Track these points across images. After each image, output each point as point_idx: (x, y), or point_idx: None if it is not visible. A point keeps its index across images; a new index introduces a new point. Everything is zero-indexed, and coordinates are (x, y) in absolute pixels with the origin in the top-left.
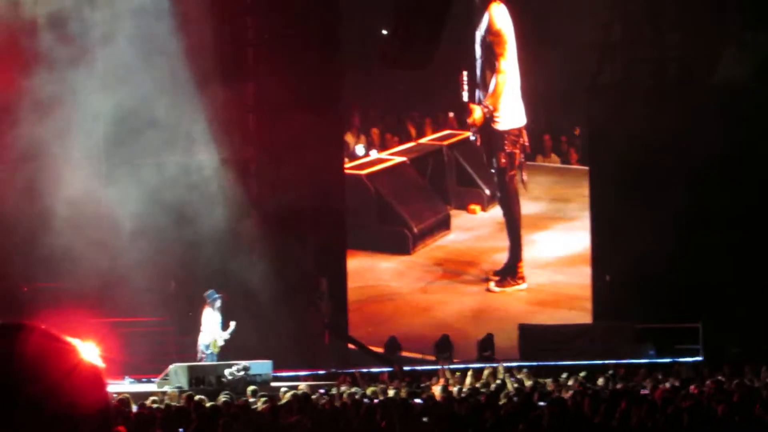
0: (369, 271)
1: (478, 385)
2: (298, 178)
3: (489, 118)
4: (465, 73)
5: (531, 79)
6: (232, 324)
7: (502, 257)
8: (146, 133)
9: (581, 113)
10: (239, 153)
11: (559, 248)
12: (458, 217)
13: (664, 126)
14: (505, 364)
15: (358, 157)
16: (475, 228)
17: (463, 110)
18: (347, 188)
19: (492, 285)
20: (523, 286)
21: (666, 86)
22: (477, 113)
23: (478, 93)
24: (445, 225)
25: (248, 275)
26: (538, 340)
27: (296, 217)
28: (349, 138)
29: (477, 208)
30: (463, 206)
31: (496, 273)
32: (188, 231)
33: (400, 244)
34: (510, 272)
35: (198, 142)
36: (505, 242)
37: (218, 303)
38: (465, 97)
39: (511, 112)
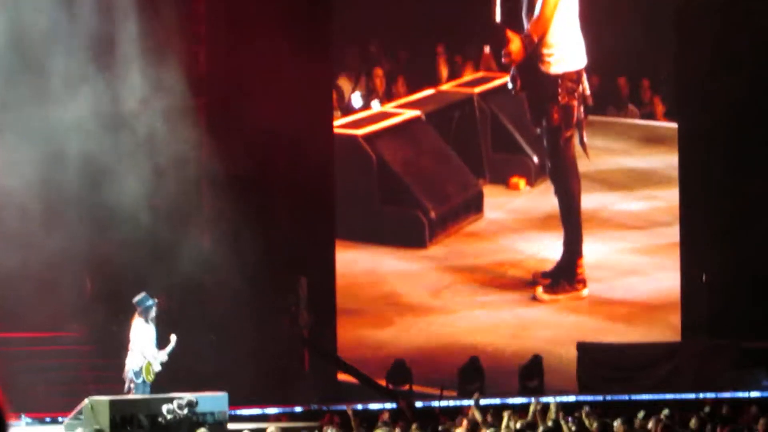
0: (369, 271)
1: (520, 427)
2: (267, 138)
3: (535, 57)
4: None
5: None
6: (173, 340)
7: (555, 253)
8: (51, 69)
9: (669, 49)
10: (185, 100)
11: (636, 239)
12: (494, 196)
13: None
14: (558, 399)
15: (353, 111)
16: (517, 211)
17: (501, 42)
18: (338, 154)
19: (540, 291)
20: (583, 292)
21: None
22: (515, 44)
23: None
24: (475, 207)
25: (196, 272)
26: (605, 366)
27: (265, 192)
28: (344, 83)
29: (521, 182)
30: (502, 180)
31: (545, 275)
32: (110, 209)
33: (412, 234)
34: (565, 274)
35: (127, 84)
36: (559, 231)
37: (153, 312)
38: (498, 16)
39: (566, 48)
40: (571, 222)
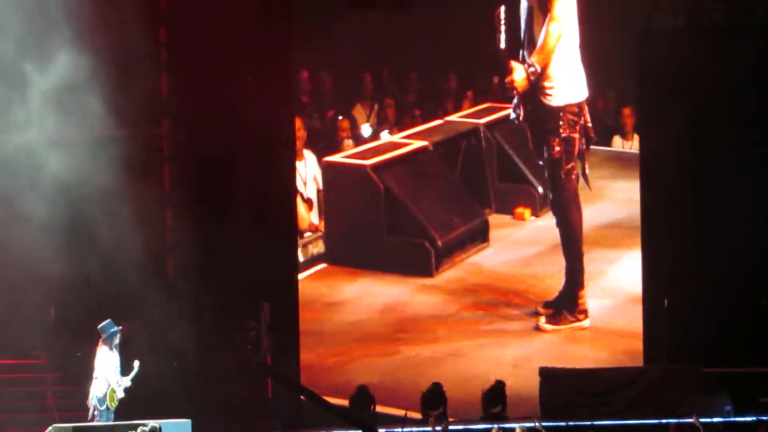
0: (378, 296)
1: None
2: (230, 164)
3: (537, 87)
4: (503, 9)
5: (596, 34)
6: (136, 366)
7: (558, 283)
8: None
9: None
10: (148, 127)
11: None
12: (500, 226)
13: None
14: (525, 425)
15: (363, 141)
16: (522, 241)
17: (506, 71)
18: (346, 183)
19: (542, 321)
20: (584, 323)
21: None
22: (519, 73)
23: (522, 51)
24: (481, 236)
25: (159, 299)
26: (568, 391)
27: (228, 219)
28: (359, 112)
29: (526, 212)
30: (508, 210)
31: (548, 305)
32: (76, 237)
33: (419, 263)
34: (567, 304)
35: (90, 112)
36: (562, 262)
37: (117, 339)
38: (503, 43)
39: (567, 80)
40: (573, 253)
